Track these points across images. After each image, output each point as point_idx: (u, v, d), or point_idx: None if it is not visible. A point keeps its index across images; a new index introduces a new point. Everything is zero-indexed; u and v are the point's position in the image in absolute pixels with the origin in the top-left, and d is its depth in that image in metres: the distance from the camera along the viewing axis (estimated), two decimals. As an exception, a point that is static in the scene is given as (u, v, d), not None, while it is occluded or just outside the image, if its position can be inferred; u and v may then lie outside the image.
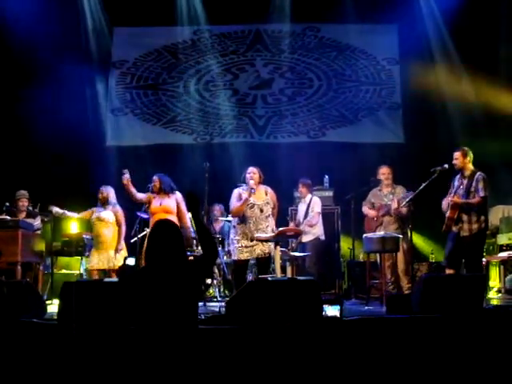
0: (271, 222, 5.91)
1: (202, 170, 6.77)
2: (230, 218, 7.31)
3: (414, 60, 9.08)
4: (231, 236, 6.01)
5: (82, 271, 7.45)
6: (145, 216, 6.85)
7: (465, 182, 5.91)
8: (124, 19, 9.65)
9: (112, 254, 6.73)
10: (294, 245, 7.01)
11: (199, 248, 6.82)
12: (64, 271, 8.00)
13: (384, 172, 6.95)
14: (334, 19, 9.62)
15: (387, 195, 6.90)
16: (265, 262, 5.88)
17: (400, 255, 6.50)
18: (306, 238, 6.99)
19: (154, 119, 9.74)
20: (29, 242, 6.62)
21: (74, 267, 7.98)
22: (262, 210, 5.84)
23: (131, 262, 6.80)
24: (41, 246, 6.98)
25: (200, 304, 5.32)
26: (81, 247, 7.16)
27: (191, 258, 6.01)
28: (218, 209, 8.00)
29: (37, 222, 7.05)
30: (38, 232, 7.10)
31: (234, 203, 5.90)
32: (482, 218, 5.82)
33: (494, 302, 6.33)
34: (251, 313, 4.27)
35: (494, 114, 8.55)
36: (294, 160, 8.47)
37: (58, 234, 7.76)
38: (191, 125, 9.73)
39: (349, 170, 8.28)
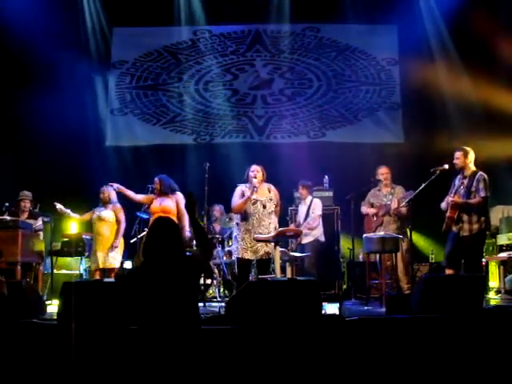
0: (274, 219, 5.89)
1: (201, 170, 6.77)
2: (233, 223, 7.33)
3: (413, 60, 9.08)
4: (235, 233, 6.00)
5: (81, 271, 7.46)
6: (144, 216, 6.87)
7: (465, 181, 5.90)
8: (124, 19, 9.65)
9: (110, 254, 6.73)
10: (293, 245, 7.01)
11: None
12: (64, 271, 8.01)
13: (383, 172, 6.95)
14: (333, 19, 9.65)
15: (386, 195, 6.90)
16: (265, 263, 5.87)
17: (399, 255, 6.50)
18: (305, 240, 6.99)
19: (153, 119, 9.75)
20: (28, 242, 6.62)
21: (74, 267, 7.99)
22: (264, 207, 5.82)
23: (128, 265, 6.81)
24: (40, 246, 6.98)
25: (200, 304, 5.32)
26: (80, 247, 7.16)
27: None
28: (217, 209, 8.00)
29: (38, 223, 7.06)
30: (40, 233, 7.11)
31: (236, 200, 5.90)
32: (483, 218, 5.81)
33: (494, 303, 6.32)
34: (251, 313, 4.27)
35: (494, 114, 8.55)
36: (294, 160, 8.46)
37: (58, 235, 7.77)
38: (191, 125, 9.74)
39: (349, 170, 8.28)
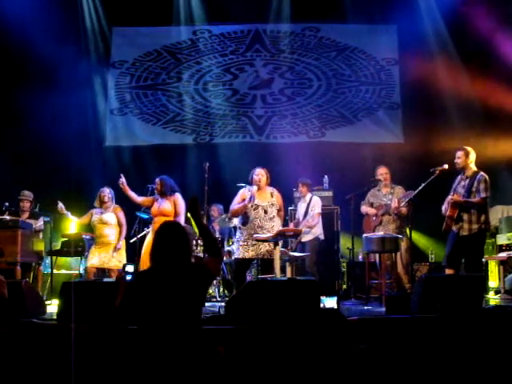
0: (277, 223, 5.89)
1: (201, 170, 6.77)
2: (231, 225, 7.34)
3: (413, 60, 9.08)
4: (237, 236, 6.01)
5: (81, 271, 7.45)
6: (144, 216, 6.87)
7: (466, 181, 5.91)
8: (123, 19, 9.65)
9: (112, 254, 6.73)
10: (293, 245, 7.01)
11: (198, 249, 6.85)
12: (63, 271, 8.01)
13: (382, 172, 6.96)
14: (333, 19, 9.66)
15: (386, 195, 6.91)
16: (267, 262, 5.87)
17: (399, 255, 6.50)
18: (305, 238, 6.99)
19: (153, 119, 9.74)
20: (28, 242, 6.62)
21: (74, 267, 7.98)
22: (266, 212, 5.83)
23: (130, 268, 6.77)
24: (40, 246, 6.98)
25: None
26: (80, 247, 7.15)
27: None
28: (215, 209, 7.99)
29: (39, 224, 7.05)
30: (40, 233, 7.11)
31: (234, 204, 5.91)
32: (483, 218, 5.81)
33: (493, 302, 6.33)
34: (251, 313, 4.27)
35: (494, 114, 8.55)
36: (294, 160, 8.46)
37: (58, 234, 7.76)
38: (191, 125, 9.73)
39: (348, 170, 8.29)
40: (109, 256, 6.72)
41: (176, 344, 2.93)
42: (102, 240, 6.77)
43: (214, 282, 6.93)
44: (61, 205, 6.80)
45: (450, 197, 5.92)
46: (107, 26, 9.79)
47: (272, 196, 5.93)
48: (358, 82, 9.75)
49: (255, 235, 5.73)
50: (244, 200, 5.81)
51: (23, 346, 4.01)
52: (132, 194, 6.53)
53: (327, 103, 9.70)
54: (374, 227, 6.77)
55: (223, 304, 4.98)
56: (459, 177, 6.04)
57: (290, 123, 9.65)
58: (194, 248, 6.79)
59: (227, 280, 7.25)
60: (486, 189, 5.80)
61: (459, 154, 5.95)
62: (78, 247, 7.13)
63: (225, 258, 7.32)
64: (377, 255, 6.54)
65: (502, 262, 7.02)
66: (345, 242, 7.95)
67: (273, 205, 5.88)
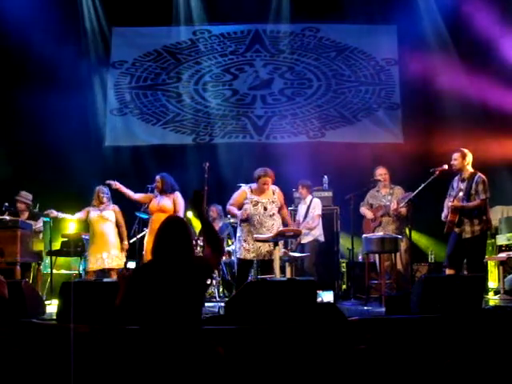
0: (278, 221, 5.89)
1: (201, 171, 6.77)
2: (231, 220, 7.35)
3: (413, 60, 9.08)
4: (237, 234, 6.02)
5: (81, 271, 7.45)
6: (144, 216, 6.87)
7: (464, 184, 5.91)
8: (123, 19, 9.65)
9: (113, 253, 6.73)
10: (293, 246, 7.01)
11: (198, 249, 6.85)
12: (63, 271, 8.01)
13: (381, 173, 6.96)
14: (333, 19, 9.66)
15: (385, 196, 6.91)
16: (267, 262, 5.88)
17: (398, 255, 6.50)
18: (304, 240, 7.00)
19: (153, 119, 9.74)
20: (28, 242, 6.62)
21: (73, 267, 7.98)
22: (265, 209, 5.84)
23: (132, 266, 6.81)
24: (39, 246, 6.98)
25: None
26: (80, 247, 7.15)
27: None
28: (214, 210, 7.98)
29: (39, 225, 7.05)
30: (40, 234, 7.10)
31: (232, 202, 5.95)
32: (484, 219, 5.82)
33: (493, 303, 6.33)
34: (250, 313, 4.27)
35: (494, 114, 8.55)
36: (294, 160, 8.46)
37: (57, 235, 7.76)
38: (190, 125, 9.73)
39: (348, 171, 8.28)
40: (110, 255, 6.70)
41: (176, 340, 2.94)
42: (101, 238, 6.73)
43: (214, 282, 6.94)
44: (54, 214, 6.74)
45: (449, 203, 5.91)
46: (107, 26, 9.78)
47: (273, 194, 5.94)
48: (357, 82, 9.75)
49: (255, 235, 5.74)
50: (244, 199, 5.85)
51: (23, 346, 4.01)
52: (128, 192, 6.55)
53: (327, 103, 9.71)
54: (373, 228, 6.77)
55: (223, 304, 4.99)
56: (456, 178, 6.04)
57: (290, 123, 9.65)
58: (194, 248, 6.78)
59: (227, 280, 7.25)
60: (484, 190, 5.80)
61: (455, 155, 5.96)
62: (77, 247, 7.14)
63: (224, 259, 7.32)
64: (376, 255, 6.54)
65: (501, 263, 7.02)
66: (344, 243, 7.95)
67: (273, 202, 5.88)
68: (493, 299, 6.65)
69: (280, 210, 5.97)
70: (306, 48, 9.87)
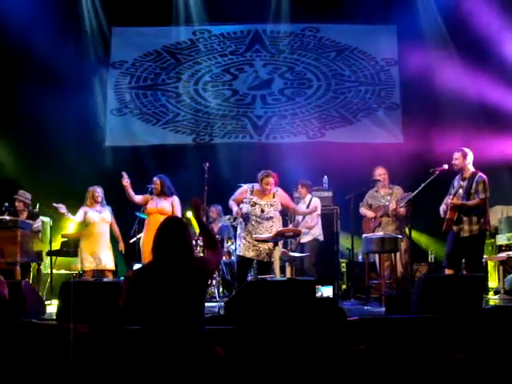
0: (277, 223, 5.91)
1: (201, 171, 6.77)
2: (231, 221, 7.36)
3: (412, 60, 9.08)
4: (238, 231, 6.06)
5: (80, 271, 7.44)
6: (144, 216, 6.87)
7: (465, 183, 5.92)
8: (123, 19, 9.65)
9: (109, 254, 6.73)
10: (293, 245, 7.01)
11: (198, 249, 6.85)
12: (63, 271, 8.00)
13: (380, 173, 6.96)
14: (333, 20, 9.66)
15: (384, 196, 6.90)
16: (266, 263, 5.90)
17: (398, 255, 6.50)
18: (304, 239, 7.00)
19: (153, 119, 9.74)
20: (28, 242, 6.62)
21: (73, 267, 7.97)
22: (262, 211, 5.85)
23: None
24: (39, 246, 6.98)
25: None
26: (79, 247, 7.14)
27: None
28: (214, 210, 7.98)
29: (37, 224, 7.03)
30: (39, 234, 7.10)
31: (234, 200, 5.98)
32: (483, 218, 5.83)
33: (493, 303, 6.33)
34: (250, 313, 4.27)
35: (494, 114, 8.55)
36: (293, 160, 8.46)
37: (57, 234, 7.75)
38: (190, 125, 9.73)
39: (348, 171, 8.27)
40: (108, 256, 6.70)
41: (177, 341, 2.94)
42: (100, 238, 6.72)
43: (214, 282, 6.94)
44: (64, 210, 6.68)
45: (449, 200, 5.91)
46: (107, 25, 9.77)
47: (274, 197, 5.94)
48: (357, 82, 9.75)
49: (255, 235, 5.75)
50: (244, 197, 5.89)
51: (23, 346, 4.00)
52: (132, 193, 6.54)
53: (327, 103, 9.71)
54: (373, 229, 6.76)
55: (223, 304, 4.99)
56: (457, 177, 6.04)
57: (290, 123, 9.64)
58: (194, 248, 6.78)
59: (227, 280, 7.25)
60: (484, 190, 5.81)
61: (457, 155, 5.97)
62: (77, 247, 7.13)
63: (224, 259, 7.32)
64: (376, 255, 6.54)
65: (501, 263, 7.02)
66: (344, 242, 7.95)
67: (272, 206, 5.89)
68: (493, 299, 6.65)
69: (288, 208, 6.09)
70: (305, 48, 9.87)
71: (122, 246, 6.89)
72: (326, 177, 7.95)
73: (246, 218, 5.83)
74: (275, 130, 9.63)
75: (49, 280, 7.14)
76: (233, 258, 6.84)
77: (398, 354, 4.02)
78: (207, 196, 6.62)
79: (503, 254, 7.09)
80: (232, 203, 6.00)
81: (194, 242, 6.81)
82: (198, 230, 7.22)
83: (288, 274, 6.35)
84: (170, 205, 6.51)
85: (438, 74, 9.05)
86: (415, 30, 9.19)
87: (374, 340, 4.11)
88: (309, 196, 7.21)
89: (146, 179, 6.91)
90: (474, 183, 5.84)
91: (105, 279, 5.44)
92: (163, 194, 6.55)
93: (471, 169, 5.96)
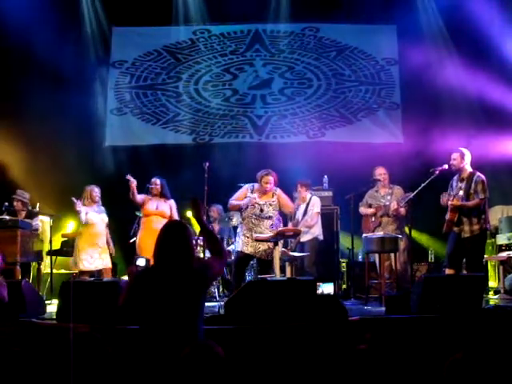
0: (277, 223, 5.93)
1: (201, 170, 6.77)
2: (232, 221, 7.37)
3: (413, 60, 9.07)
4: (238, 230, 6.11)
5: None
6: (143, 216, 6.87)
7: (463, 183, 5.92)
8: (123, 19, 9.64)
9: (107, 254, 6.74)
10: (292, 245, 7.01)
11: (198, 248, 6.85)
12: (63, 271, 8.00)
13: (380, 172, 6.96)
14: (333, 19, 9.65)
15: (384, 196, 6.90)
16: (267, 262, 5.90)
17: (398, 255, 6.50)
18: (304, 238, 6.99)
19: (153, 119, 9.73)
20: (28, 242, 6.62)
21: (73, 267, 7.96)
22: (262, 210, 5.87)
23: (141, 262, 6.79)
24: (39, 246, 6.98)
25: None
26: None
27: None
28: (215, 210, 7.98)
29: (35, 223, 7.03)
30: (37, 232, 7.09)
31: (234, 199, 5.99)
32: (483, 218, 5.83)
33: (493, 302, 6.33)
34: (250, 313, 4.27)
35: (494, 114, 8.55)
36: (293, 160, 8.45)
37: (57, 234, 7.75)
38: (190, 125, 9.72)
39: (348, 170, 8.26)
40: (106, 256, 6.70)
41: (174, 342, 2.93)
42: (99, 239, 6.72)
43: (214, 282, 6.95)
44: (79, 208, 6.58)
45: (450, 202, 5.91)
46: (107, 25, 9.77)
47: (273, 196, 5.95)
48: (357, 81, 9.74)
49: (255, 235, 5.76)
50: (245, 197, 5.88)
51: (23, 345, 4.00)
52: (136, 195, 6.55)
53: (327, 103, 9.70)
54: (373, 228, 6.76)
55: (223, 304, 4.99)
56: (455, 178, 6.05)
57: (290, 123, 9.64)
58: (194, 248, 6.78)
59: (227, 280, 7.25)
60: (483, 190, 5.82)
61: (454, 155, 5.99)
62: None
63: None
64: (376, 255, 6.54)
65: (501, 262, 7.02)
66: (344, 242, 7.95)
67: (271, 205, 5.90)
68: (493, 299, 6.65)
69: (287, 209, 6.11)
70: (305, 48, 9.87)
71: (112, 250, 6.89)
72: (326, 176, 7.95)
73: (245, 218, 5.86)
74: (275, 130, 9.62)
75: (49, 280, 7.14)
76: (233, 257, 6.83)
77: (398, 354, 4.02)
78: (207, 196, 6.61)
79: (503, 254, 7.09)
80: (232, 202, 6.01)
81: (194, 242, 6.83)
82: (197, 230, 7.23)
83: (288, 274, 6.35)
84: (169, 208, 6.55)
85: (438, 73, 9.05)
86: (415, 29, 9.19)
87: (374, 340, 4.11)
88: (308, 195, 7.21)
89: (145, 179, 6.90)
90: (472, 184, 5.84)
91: (104, 279, 5.43)
92: (163, 196, 6.56)
93: (469, 169, 5.97)
